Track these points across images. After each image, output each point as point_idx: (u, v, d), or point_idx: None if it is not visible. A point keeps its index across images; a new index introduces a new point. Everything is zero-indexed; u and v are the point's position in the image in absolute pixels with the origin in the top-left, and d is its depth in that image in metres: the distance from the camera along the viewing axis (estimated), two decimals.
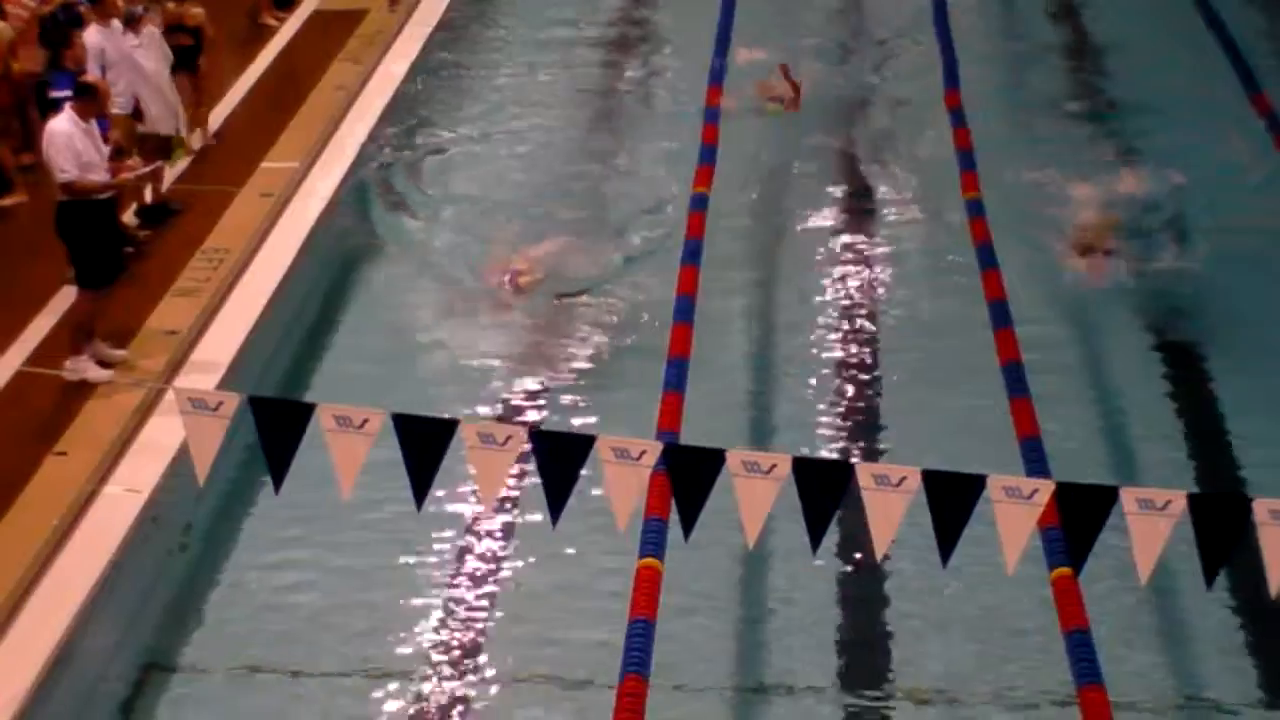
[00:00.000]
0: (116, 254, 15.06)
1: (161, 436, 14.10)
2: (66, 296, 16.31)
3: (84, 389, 14.30)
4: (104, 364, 14.76)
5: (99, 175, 14.60)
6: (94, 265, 14.77)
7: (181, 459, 12.57)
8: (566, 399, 16.19)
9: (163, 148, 18.03)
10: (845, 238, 19.79)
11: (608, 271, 18.45)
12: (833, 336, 17.63)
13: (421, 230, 19.61)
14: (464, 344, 16.98)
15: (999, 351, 15.77)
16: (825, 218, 20.30)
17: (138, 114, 17.64)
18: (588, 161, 21.72)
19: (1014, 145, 21.45)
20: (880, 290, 18.61)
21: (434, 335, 17.18)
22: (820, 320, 17.96)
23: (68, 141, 14.38)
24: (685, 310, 16.44)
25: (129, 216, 17.81)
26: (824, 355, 17.31)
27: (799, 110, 22.78)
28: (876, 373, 17.03)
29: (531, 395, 16.25)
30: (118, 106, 17.15)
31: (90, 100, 14.67)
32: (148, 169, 15.48)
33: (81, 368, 14.54)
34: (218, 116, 21.05)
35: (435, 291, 18.01)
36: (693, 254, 17.67)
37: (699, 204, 18.98)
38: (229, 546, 14.24)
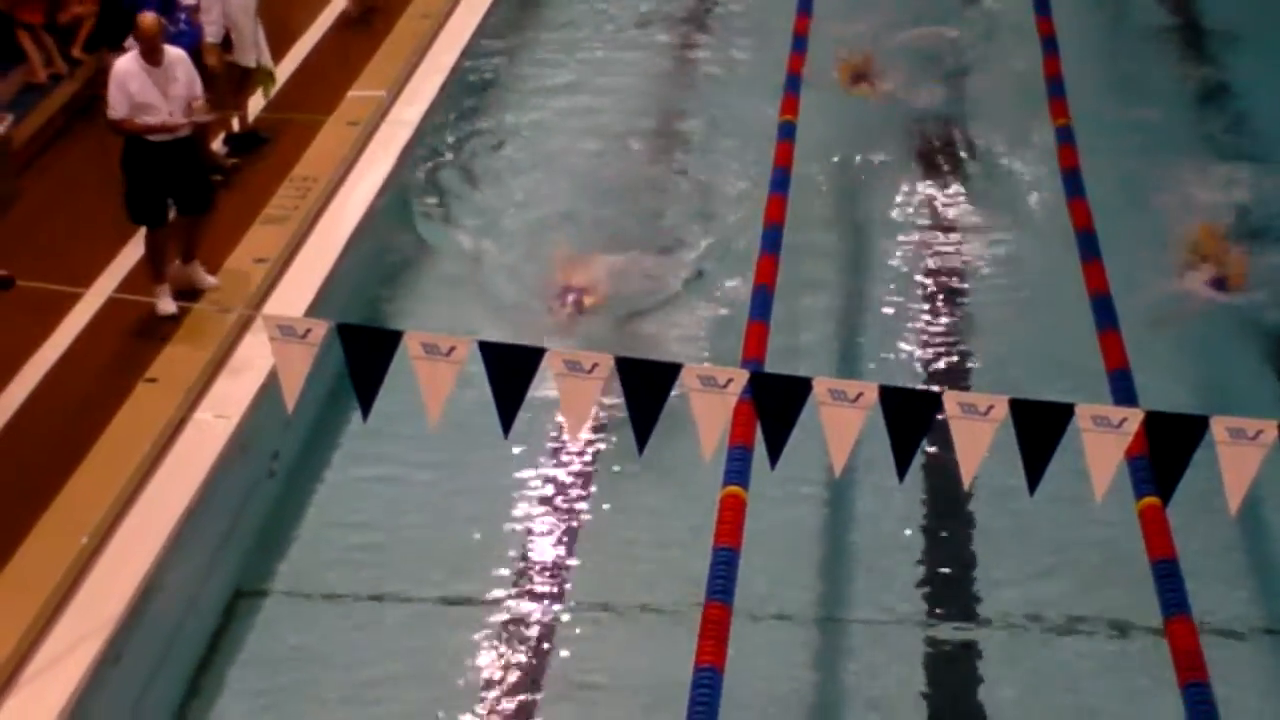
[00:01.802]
0: (160, 196, 14.75)
1: (250, 363, 14.17)
2: None
3: (178, 313, 14.37)
4: (191, 292, 14.84)
5: (154, 118, 14.47)
6: (135, 202, 14.75)
7: (270, 386, 12.64)
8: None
9: (243, 79, 18.05)
10: (928, 191, 19.39)
11: (677, 288, 16.94)
12: (917, 274, 17.56)
13: (473, 239, 18.16)
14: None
15: (1087, 284, 15.62)
16: (906, 183, 19.62)
17: (228, 44, 17.66)
18: (655, 157, 20.15)
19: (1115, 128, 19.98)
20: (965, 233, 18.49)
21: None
22: (906, 256, 17.90)
23: (122, 81, 14.42)
24: (773, 240, 16.33)
25: (217, 145, 17.87)
26: (907, 291, 17.27)
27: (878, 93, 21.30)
28: (963, 303, 17.00)
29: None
30: (210, 35, 17.16)
31: (144, 43, 14.45)
32: (207, 117, 15.18)
33: (156, 298, 14.68)
34: (305, 45, 21.07)
35: (487, 316, 16.21)
36: (780, 183, 17.56)
37: (786, 132, 18.82)
38: (317, 473, 14.33)
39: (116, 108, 14.48)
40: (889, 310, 16.92)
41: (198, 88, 14.78)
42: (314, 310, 15.19)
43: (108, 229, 15.74)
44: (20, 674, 10.98)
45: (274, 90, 18.85)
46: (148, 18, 14.54)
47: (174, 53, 14.67)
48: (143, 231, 14.92)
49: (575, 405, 9.69)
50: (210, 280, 15.17)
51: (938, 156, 20.17)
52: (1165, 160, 19.07)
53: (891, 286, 17.35)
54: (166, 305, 14.62)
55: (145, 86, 14.42)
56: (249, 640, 12.64)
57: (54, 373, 13.95)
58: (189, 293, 14.83)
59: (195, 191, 14.92)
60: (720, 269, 17.22)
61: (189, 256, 15.07)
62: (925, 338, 16.40)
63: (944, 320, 16.70)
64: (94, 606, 11.63)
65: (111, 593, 11.76)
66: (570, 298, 16.22)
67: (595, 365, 9.56)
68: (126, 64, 14.49)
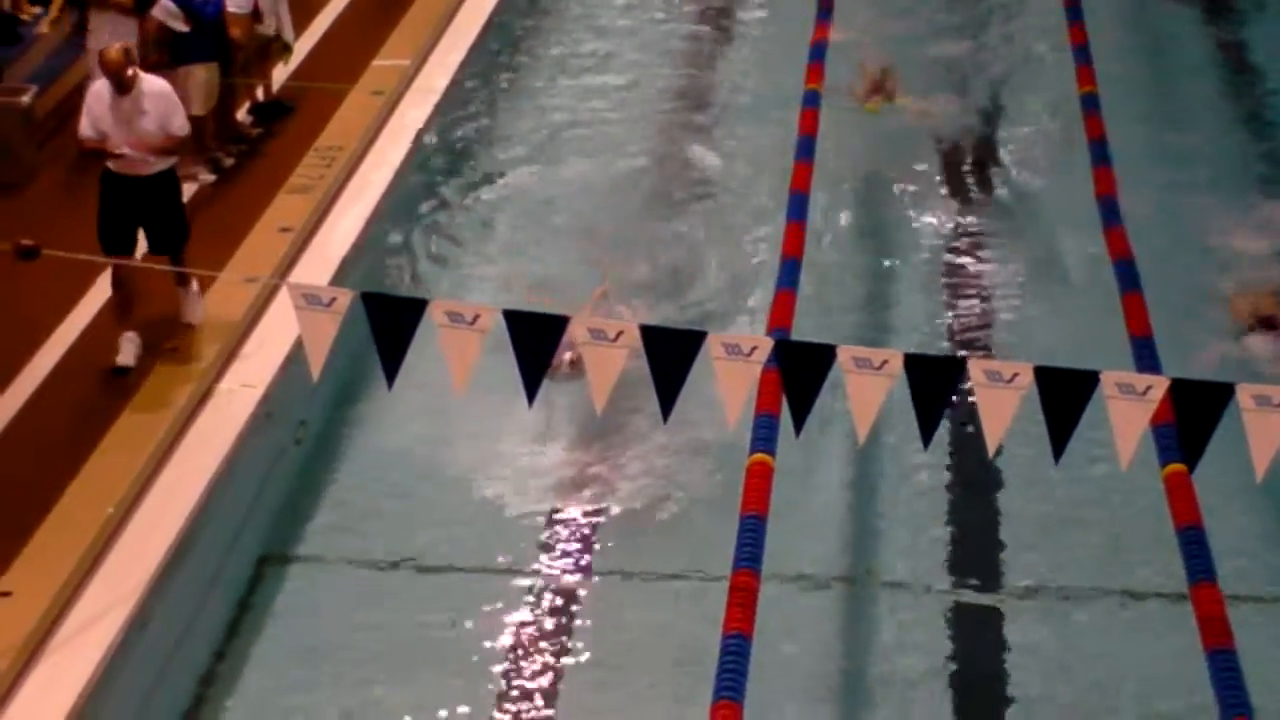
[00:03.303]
0: (124, 228, 13.69)
1: (276, 333, 14.20)
2: (185, 191, 16.43)
3: (203, 284, 14.39)
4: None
5: (112, 148, 13.59)
6: (100, 228, 13.74)
7: (296, 355, 12.67)
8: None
9: (265, 48, 18.06)
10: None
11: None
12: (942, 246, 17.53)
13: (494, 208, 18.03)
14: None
15: (1109, 248, 15.58)
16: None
17: (257, 14, 17.66)
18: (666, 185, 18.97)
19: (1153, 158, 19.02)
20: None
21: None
22: (930, 231, 17.86)
23: (89, 102, 13.75)
24: (799, 208, 16.33)
25: (242, 114, 17.89)
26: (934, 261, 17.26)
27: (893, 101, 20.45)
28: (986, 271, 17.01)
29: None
30: (234, 5, 17.17)
31: (107, 74, 13.62)
32: (151, 156, 13.56)
33: (118, 343, 13.80)
34: (330, 14, 21.07)
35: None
36: (806, 150, 17.55)
37: (812, 100, 18.78)
38: (343, 440, 14.36)
39: (82, 127, 13.81)
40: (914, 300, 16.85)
41: (175, 125, 13.75)
42: (339, 279, 15.22)
43: None
44: (49, 642, 11.04)
45: (291, 62, 18.84)
46: (111, 50, 13.68)
47: (153, 86, 13.77)
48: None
49: (601, 374, 9.70)
50: (196, 315, 14.18)
51: (961, 171, 19.50)
52: (1207, 193, 18.31)
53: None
54: (125, 355, 13.67)
55: (107, 114, 13.63)
56: (277, 607, 12.69)
57: (79, 342, 13.99)
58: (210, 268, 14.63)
59: (163, 232, 13.87)
60: (733, 318, 15.82)
61: (179, 280, 14.01)
62: (950, 323, 16.39)
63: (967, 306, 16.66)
64: (122, 574, 11.70)
65: (139, 560, 11.82)
66: (568, 354, 14.21)
67: (620, 333, 9.56)
68: (98, 87, 13.81)
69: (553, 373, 13.58)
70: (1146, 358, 13.57)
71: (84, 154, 14.14)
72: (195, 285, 14.17)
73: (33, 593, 11.23)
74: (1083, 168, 17.55)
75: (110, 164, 13.71)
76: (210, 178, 16.78)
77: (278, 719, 11.69)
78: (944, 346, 15.70)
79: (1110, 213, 16.20)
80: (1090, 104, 18.59)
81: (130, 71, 13.63)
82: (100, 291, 14.26)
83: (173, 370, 13.72)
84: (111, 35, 15.86)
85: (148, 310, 13.95)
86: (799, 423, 9.79)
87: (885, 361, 9.50)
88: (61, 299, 14.45)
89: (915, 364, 9.54)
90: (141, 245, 14.03)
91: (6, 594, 11.09)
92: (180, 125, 13.84)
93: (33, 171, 16.24)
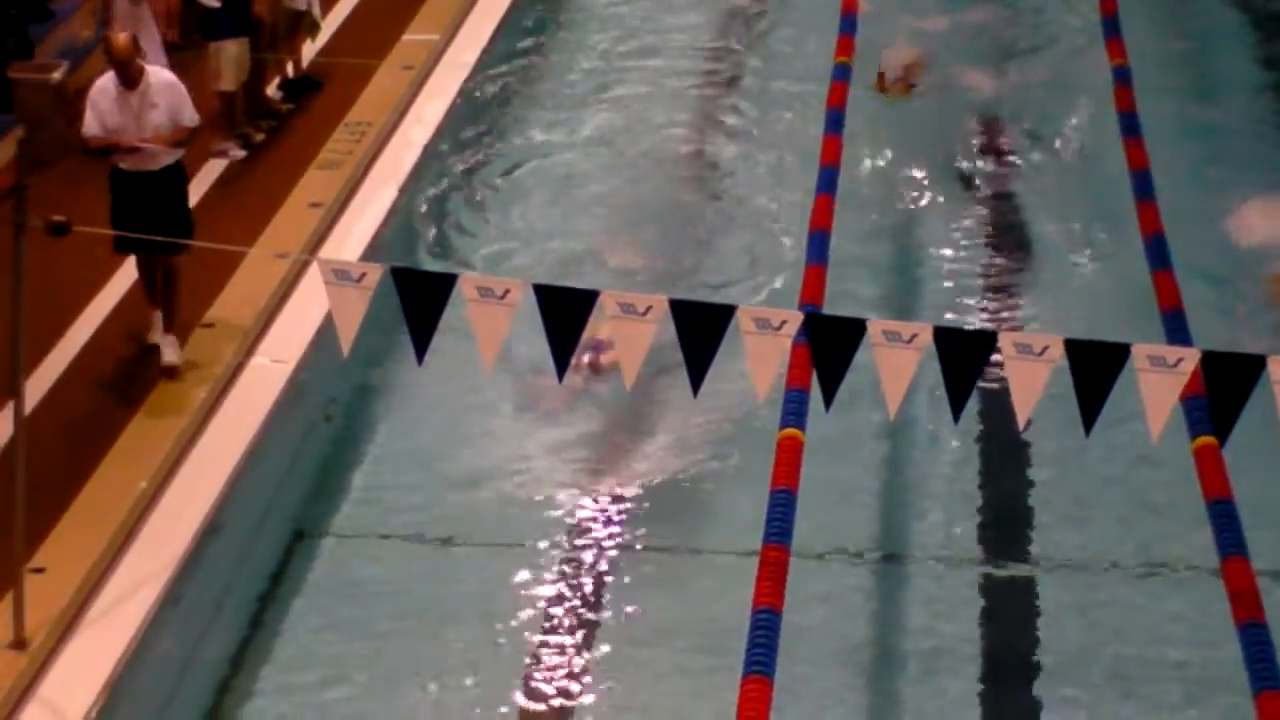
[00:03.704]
0: (136, 228, 12.95)
1: (306, 308, 14.23)
2: (213, 169, 16.51)
3: (233, 260, 14.42)
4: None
5: (126, 143, 13.23)
6: (115, 228, 13.23)
7: (326, 330, 12.69)
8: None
9: (294, 23, 18.07)
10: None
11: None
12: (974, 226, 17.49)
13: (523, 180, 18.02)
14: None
15: (1141, 223, 15.52)
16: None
17: None
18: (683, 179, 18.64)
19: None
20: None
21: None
22: (961, 207, 17.81)
23: (94, 99, 13.31)
24: (829, 181, 16.30)
25: (272, 90, 17.92)
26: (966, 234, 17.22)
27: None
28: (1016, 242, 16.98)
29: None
30: None
31: (114, 64, 13.27)
32: (159, 148, 13.23)
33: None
34: None
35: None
36: (835, 123, 17.51)
37: (841, 73, 18.73)
38: (374, 416, 14.39)
39: (87, 125, 13.37)
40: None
41: (185, 117, 13.42)
42: (369, 254, 15.25)
43: None
44: (83, 616, 11.10)
45: (320, 38, 18.85)
46: (119, 38, 13.39)
47: (161, 78, 13.46)
48: (198, 177, 14.84)
49: (630, 348, 9.69)
50: (174, 357, 13.50)
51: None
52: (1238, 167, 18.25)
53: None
54: (167, 354, 13.43)
55: (115, 109, 13.26)
56: (308, 582, 12.72)
57: (112, 318, 14.05)
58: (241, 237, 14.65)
59: (169, 227, 13.13)
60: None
61: (165, 322, 13.64)
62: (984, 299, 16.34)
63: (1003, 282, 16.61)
64: (155, 549, 11.75)
65: (172, 535, 11.87)
66: (586, 357, 14.30)
67: (649, 308, 9.55)
68: (103, 82, 13.37)
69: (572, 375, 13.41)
70: (1177, 332, 13.52)
71: (89, 153, 13.56)
72: (177, 324, 13.65)
73: (66, 569, 11.27)
74: (1115, 144, 17.46)
75: (122, 163, 13.31)
76: (240, 153, 16.82)
77: (310, 693, 11.72)
78: (974, 322, 15.71)
79: (1143, 189, 16.12)
80: (1121, 76, 18.51)
81: (138, 63, 13.34)
82: (132, 265, 14.26)
83: (204, 346, 13.76)
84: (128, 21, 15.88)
85: (189, 287, 13.92)
86: (829, 397, 9.78)
87: (915, 335, 9.48)
88: (93, 275, 14.50)
89: (945, 337, 9.53)
90: (125, 278, 13.82)
91: (40, 570, 11.13)
92: (190, 116, 13.50)
93: (64, 147, 16.27)
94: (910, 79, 20.22)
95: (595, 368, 14.44)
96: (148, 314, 13.76)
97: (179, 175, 13.63)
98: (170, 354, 13.44)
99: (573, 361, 12.84)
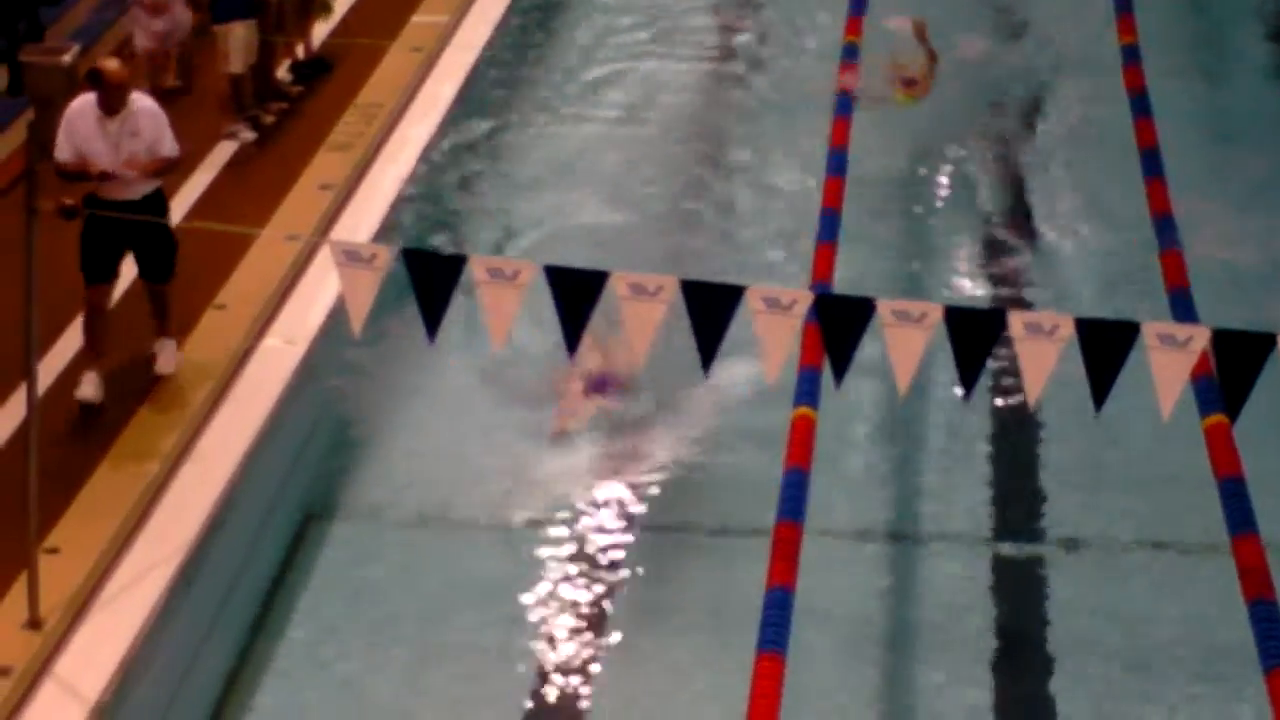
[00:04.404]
0: (108, 253, 12.69)
1: (317, 290, 14.25)
2: (224, 151, 16.52)
3: (244, 242, 14.43)
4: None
5: (95, 169, 12.48)
6: (82, 253, 12.72)
7: (337, 311, 12.71)
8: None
9: (305, 5, 18.07)
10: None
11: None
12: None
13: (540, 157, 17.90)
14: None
15: (1150, 201, 15.51)
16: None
17: None
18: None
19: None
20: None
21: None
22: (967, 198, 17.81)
23: (70, 121, 12.61)
24: (838, 164, 16.29)
25: (283, 72, 17.92)
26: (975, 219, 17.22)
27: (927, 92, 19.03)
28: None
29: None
30: None
31: (102, 90, 12.50)
32: (133, 174, 12.50)
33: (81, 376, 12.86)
34: None
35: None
36: (845, 105, 17.52)
37: (850, 53, 18.70)
38: (385, 399, 14.40)
39: (60, 149, 12.64)
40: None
41: (165, 147, 12.70)
42: (379, 236, 15.27)
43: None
44: (94, 600, 11.12)
45: (330, 19, 18.85)
46: (111, 64, 12.63)
47: (144, 105, 12.74)
48: (212, 154, 14.71)
49: (640, 328, 9.70)
50: (168, 366, 13.15)
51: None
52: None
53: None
54: (86, 389, 12.72)
55: (93, 134, 12.53)
56: (321, 563, 12.76)
57: (124, 299, 14.04)
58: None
59: (153, 257, 12.89)
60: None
61: (159, 330, 13.27)
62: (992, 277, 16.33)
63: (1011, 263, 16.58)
64: (168, 530, 11.77)
65: (183, 519, 11.89)
66: (589, 388, 14.10)
67: (660, 288, 9.57)
68: (80, 104, 12.65)
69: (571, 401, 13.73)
70: (1183, 311, 13.52)
71: (63, 177, 12.62)
72: (173, 333, 13.28)
73: (77, 552, 11.30)
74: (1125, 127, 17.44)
75: (99, 191, 12.58)
76: (251, 136, 16.83)
77: (322, 673, 11.77)
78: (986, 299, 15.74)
79: (1152, 167, 16.10)
80: (1130, 56, 18.47)
81: (128, 91, 12.65)
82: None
83: (215, 328, 13.78)
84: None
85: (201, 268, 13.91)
86: (840, 376, 9.80)
87: (925, 314, 9.49)
88: None
89: (955, 316, 9.54)
90: (129, 272, 13.23)
91: (54, 550, 11.17)
92: (171, 147, 12.76)
93: None
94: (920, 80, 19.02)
95: (601, 389, 14.07)
96: (80, 369, 12.90)
97: (160, 202, 12.97)
98: (166, 362, 13.11)
99: (565, 394, 13.61)
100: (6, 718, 10.13)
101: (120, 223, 12.39)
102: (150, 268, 13.03)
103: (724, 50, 20.90)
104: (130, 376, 13.11)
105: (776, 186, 17.52)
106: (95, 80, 12.61)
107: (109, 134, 12.53)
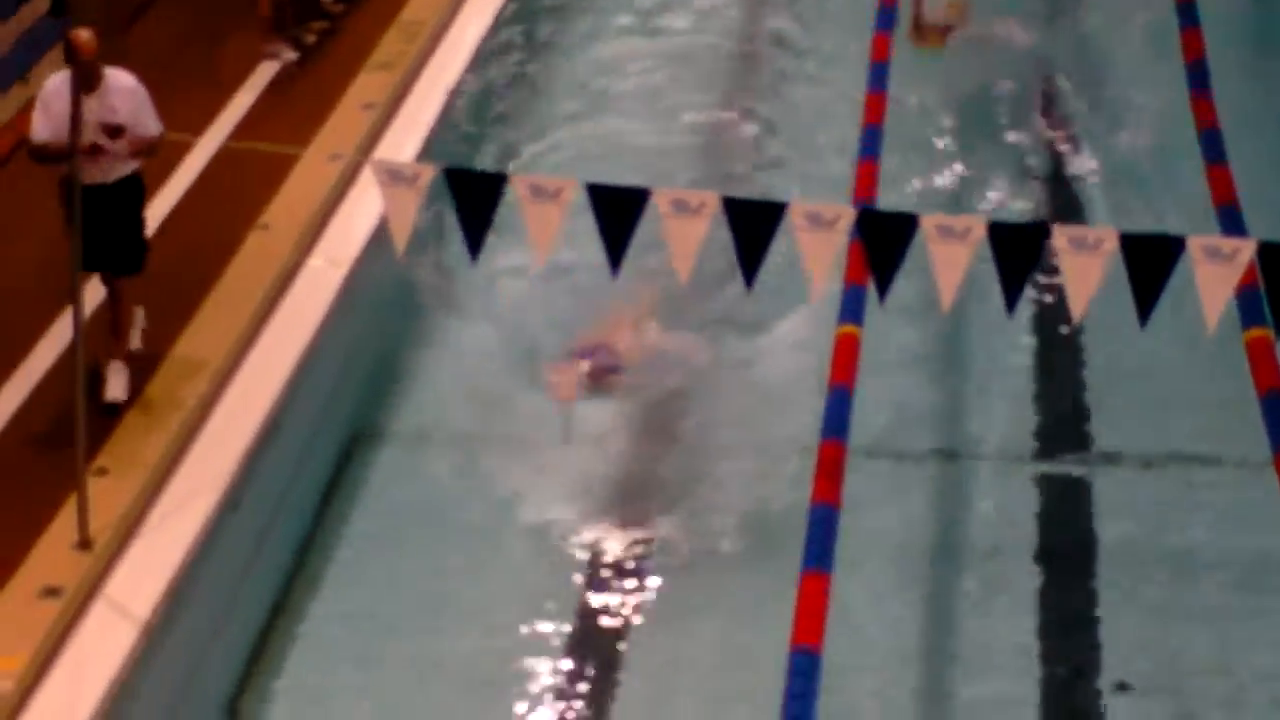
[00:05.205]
0: (88, 242, 11.22)
1: (360, 209, 14.26)
2: (265, 72, 16.51)
3: (287, 162, 14.43)
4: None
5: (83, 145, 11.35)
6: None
7: (381, 231, 12.72)
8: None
9: None
10: None
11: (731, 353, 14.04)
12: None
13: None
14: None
15: (1196, 118, 15.36)
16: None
17: None
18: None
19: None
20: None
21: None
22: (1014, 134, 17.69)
23: (47, 101, 11.93)
24: (879, 78, 16.19)
25: None
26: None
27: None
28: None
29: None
30: None
31: (77, 63, 11.29)
32: (120, 149, 11.77)
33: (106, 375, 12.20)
34: None
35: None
36: (885, 20, 17.37)
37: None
38: (431, 320, 14.40)
39: (36, 130, 11.95)
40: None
41: (146, 128, 12.00)
42: (422, 155, 15.26)
43: (218, 78, 15.84)
44: (144, 521, 11.18)
45: None
46: (83, 34, 11.64)
47: (121, 82, 11.98)
48: (253, 77, 14.62)
49: (682, 245, 9.69)
50: (119, 392, 12.09)
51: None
52: None
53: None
54: (114, 387, 12.06)
55: (69, 113, 11.10)
56: (368, 483, 12.81)
57: (169, 221, 14.06)
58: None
59: (122, 245, 12.20)
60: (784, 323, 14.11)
61: (111, 348, 12.25)
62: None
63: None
64: (214, 451, 11.82)
65: (230, 438, 11.94)
66: (586, 363, 13.69)
67: (702, 204, 9.56)
68: (56, 82, 11.94)
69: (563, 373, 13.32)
70: (1231, 225, 13.42)
71: (38, 160, 12.05)
72: (126, 355, 12.31)
73: (125, 473, 11.36)
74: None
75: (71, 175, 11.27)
76: (292, 55, 16.80)
77: (368, 595, 11.84)
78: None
79: (1198, 79, 15.89)
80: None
81: (99, 64, 11.81)
82: (188, 168, 14.30)
83: (260, 248, 13.81)
84: None
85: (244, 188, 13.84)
86: (883, 292, 9.78)
87: (969, 229, 9.45)
88: (149, 178, 14.40)
89: (999, 231, 9.50)
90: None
91: (103, 471, 11.24)
92: (153, 125, 12.07)
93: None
94: (949, 23, 18.60)
95: (595, 377, 13.64)
96: (103, 363, 12.19)
97: (136, 187, 12.33)
98: (116, 387, 12.10)
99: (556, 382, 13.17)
100: (58, 638, 10.22)
101: (96, 208, 11.59)
102: (117, 257, 12.23)
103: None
104: (173, 296, 13.14)
105: (822, 107, 17.40)
106: (70, 52, 11.74)
107: (89, 110, 11.55)
